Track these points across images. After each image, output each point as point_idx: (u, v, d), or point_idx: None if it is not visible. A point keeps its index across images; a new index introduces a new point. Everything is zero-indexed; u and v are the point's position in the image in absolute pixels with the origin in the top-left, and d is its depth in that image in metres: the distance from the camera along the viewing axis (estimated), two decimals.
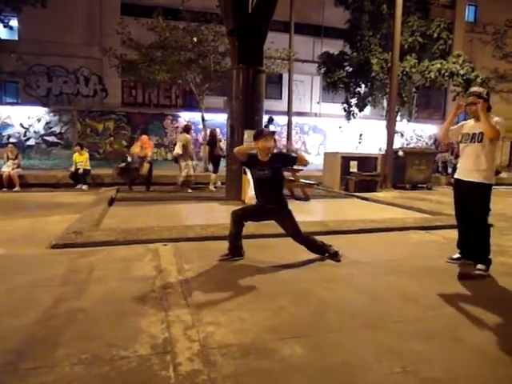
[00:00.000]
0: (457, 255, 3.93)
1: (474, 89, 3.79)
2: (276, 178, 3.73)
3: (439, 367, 2.03)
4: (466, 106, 3.68)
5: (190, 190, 9.46)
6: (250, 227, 4.08)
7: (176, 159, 10.10)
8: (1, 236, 4.60)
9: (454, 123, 3.91)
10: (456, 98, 15.82)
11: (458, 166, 3.89)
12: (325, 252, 3.87)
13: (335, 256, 3.85)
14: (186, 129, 10.02)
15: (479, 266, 3.62)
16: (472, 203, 3.66)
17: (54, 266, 3.51)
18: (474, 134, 3.63)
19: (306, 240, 3.81)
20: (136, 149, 9.98)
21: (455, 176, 3.90)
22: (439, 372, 1.99)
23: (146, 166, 9.84)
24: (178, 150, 9.39)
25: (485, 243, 3.64)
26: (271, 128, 13.95)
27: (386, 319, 2.59)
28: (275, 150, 3.82)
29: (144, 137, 10.39)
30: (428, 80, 15.20)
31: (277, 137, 16.73)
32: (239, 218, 3.72)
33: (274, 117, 18.02)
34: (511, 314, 2.76)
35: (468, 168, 3.68)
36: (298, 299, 2.88)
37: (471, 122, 3.77)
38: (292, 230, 3.77)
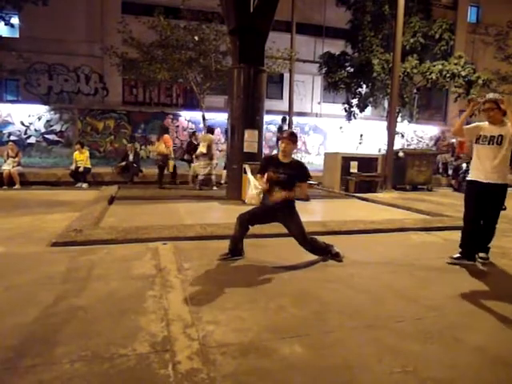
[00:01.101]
0: (457, 255, 3.96)
1: (490, 95, 3.89)
2: (290, 182, 3.70)
3: (439, 367, 2.03)
4: (483, 111, 3.84)
5: (215, 188, 9.87)
6: None
7: (183, 158, 11.04)
8: (1, 234, 4.59)
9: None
10: (457, 100, 15.81)
11: (473, 166, 3.96)
12: (327, 253, 3.86)
13: (337, 256, 3.84)
14: (211, 130, 10.46)
15: (481, 255, 3.90)
16: (489, 203, 3.80)
17: (54, 264, 3.51)
18: (492, 136, 3.76)
19: (311, 242, 3.77)
20: (161, 147, 10.44)
21: (470, 178, 3.95)
22: (439, 372, 1.99)
23: (172, 163, 10.73)
24: (202, 149, 9.76)
25: (491, 236, 3.91)
26: (285, 127, 14.28)
27: (386, 319, 2.58)
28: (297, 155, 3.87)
29: (166, 136, 10.93)
30: (429, 81, 15.15)
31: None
32: (246, 223, 3.72)
33: (275, 116, 18.01)
34: (511, 315, 2.75)
35: (485, 169, 3.79)
36: (298, 299, 2.88)
37: (486, 124, 3.88)
38: (298, 231, 3.73)
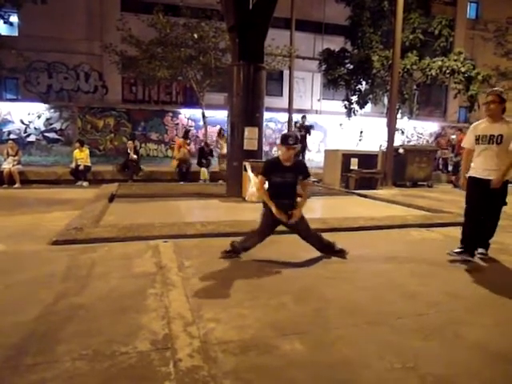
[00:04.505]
0: (458, 250, 3.95)
1: (495, 88, 3.94)
2: (296, 182, 3.72)
3: (440, 363, 2.03)
4: (484, 104, 3.82)
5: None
6: (253, 223, 4.08)
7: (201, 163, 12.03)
8: (1, 232, 4.60)
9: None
10: (457, 96, 15.78)
11: (474, 165, 3.95)
12: (332, 249, 3.86)
13: (340, 253, 3.85)
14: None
15: (480, 251, 3.91)
16: (491, 199, 3.81)
17: (54, 262, 3.52)
18: (491, 135, 3.74)
19: (318, 239, 3.77)
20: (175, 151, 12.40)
21: (472, 175, 3.94)
22: (439, 368, 1.99)
23: (174, 162, 11.72)
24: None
25: (493, 232, 3.93)
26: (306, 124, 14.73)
27: (387, 316, 2.59)
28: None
29: (177, 140, 12.81)
30: (429, 77, 15.11)
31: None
32: (264, 236, 3.75)
33: (275, 114, 18.02)
34: (511, 311, 2.76)
35: (487, 168, 3.78)
36: (299, 296, 2.88)
37: (484, 122, 3.86)
38: (304, 229, 3.73)
